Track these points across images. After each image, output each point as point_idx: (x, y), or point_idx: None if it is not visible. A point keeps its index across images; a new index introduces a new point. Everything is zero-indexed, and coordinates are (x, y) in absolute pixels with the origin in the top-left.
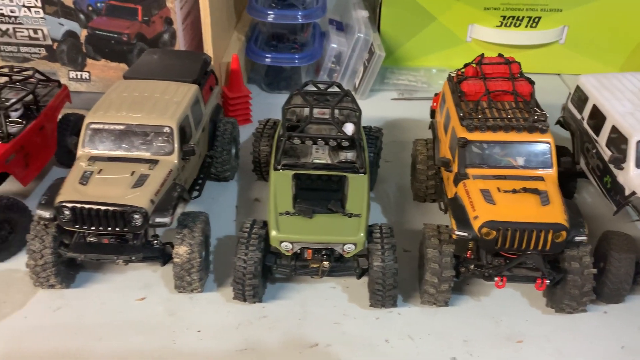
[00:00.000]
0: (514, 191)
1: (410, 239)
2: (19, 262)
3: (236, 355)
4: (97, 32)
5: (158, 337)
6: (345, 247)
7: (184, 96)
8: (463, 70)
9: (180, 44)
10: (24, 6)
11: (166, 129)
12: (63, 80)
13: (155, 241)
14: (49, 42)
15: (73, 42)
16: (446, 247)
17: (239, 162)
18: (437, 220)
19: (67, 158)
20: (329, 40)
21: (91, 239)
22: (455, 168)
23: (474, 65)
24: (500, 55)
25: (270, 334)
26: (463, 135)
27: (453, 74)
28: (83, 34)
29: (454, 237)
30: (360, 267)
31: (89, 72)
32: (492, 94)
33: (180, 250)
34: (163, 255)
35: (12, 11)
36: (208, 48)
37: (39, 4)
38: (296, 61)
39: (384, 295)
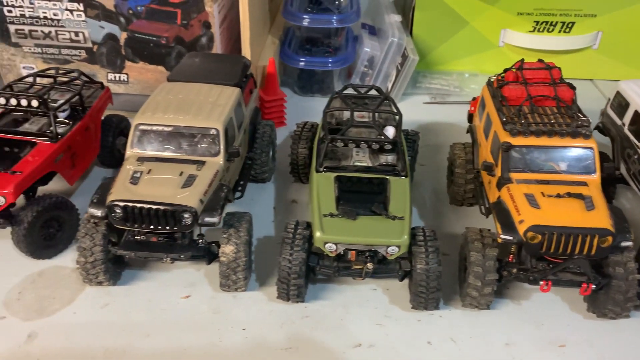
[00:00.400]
0: (559, 196)
1: (448, 243)
2: (66, 259)
3: (281, 353)
4: (136, 35)
5: (204, 334)
6: (389, 249)
7: (228, 99)
8: (503, 75)
9: (218, 48)
10: (66, 9)
11: (213, 131)
12: None
13: (201, 240)
14: (90, 44)
15: (113, 44)
16: (489, 250)
17: (276, 164)
18: (474, 224)
19: (109, 158)
20: (361, 44)
21: (140, 238)
22: (498, 172)
23: (514, 70)
24: (540, 60)
25: (313, 333)
26: (506, 139)
27: (493, 79)
28: (123, 36)
29: (499, 241)
30: (403, 269)
31: (127, 74)
32: (534, 99)
33: (227, 250)
34: (208, 254)
35: (55, 14)
36: (246, 52)
37: (81, 8)
38: (329, 65)
39: (427, 298)
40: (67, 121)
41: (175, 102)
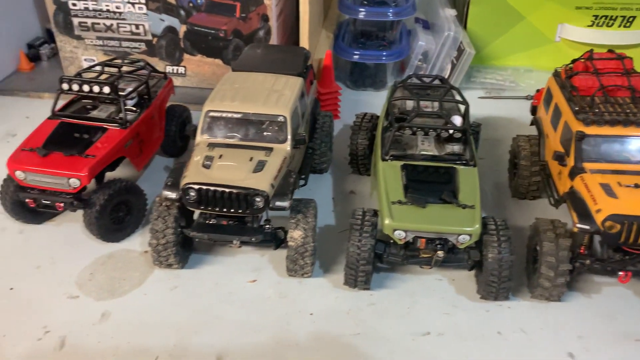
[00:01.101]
0: (637, 186)
1: (513, 235)
2: (133, 242)
3: (351, 339)
4: (195, 28)
5: (272, 318)
6: (460, 237)
7: (292, 88)
8: (571, 65)
9: (274, 40)
10: (128, 2)
11: (280, 118)
12: None
13: (268, 225)
14: (149, 37)
15: (172, 37)
16: (563, 240)
17: (333, 155)
18: (540, 216)
19: (172, 147)
20: (416, 38)
21: (212, 221)
22: (570, 162)
23: (583, 60)
24: (610, 50)
25: (381, 320)
26: (580, 129)
27: (560, 70)
28: (182, 29)
29: (575, 230)
30: (472, 259)
31: (185, 66)
32: (606, 89)
33: (295, 235)
34: (275, 240)
35: (117, 7)
36: (304, 43)
37: (143, 1)
38: (384, 58)
39: (498, 288)
40: (134, 109)
41: (242, 90)
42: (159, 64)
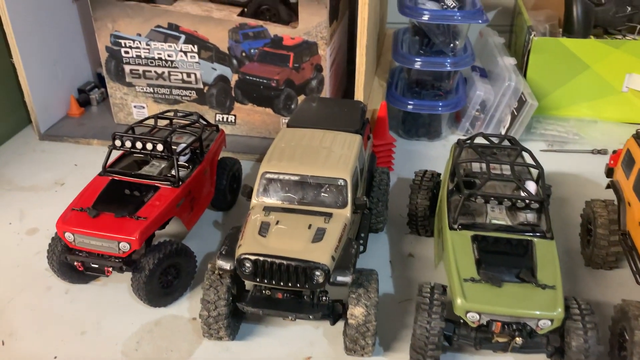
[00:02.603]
0: None
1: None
2: (181, 308)
3: None
4: (247, 77)
5: None
6: (541, 322)
7: (351, 147)
8: None
9: (327, 90)
10: (181, 51)
11: (340, 182)
12: None
13: (324, 298)
14: (200, 85)
15: (223, 86)
16: None
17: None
18: (619, 291)
19: (222, 202)
20: (473, 87)
21: (266, 293)
22: None
23: None
24: None
25: None
26: None
27: None
28: (233, 78)
29: None
30: (552, 344)
31: (234, 115)
32: None
33: (356, 312)
34: (333, 314)
35: (169, 56)
36: (359, 95)
37: (196, 50)
38: (440, 109)
39: None
40: (186, 164)
41: (300, 149)
42: (209, 112)
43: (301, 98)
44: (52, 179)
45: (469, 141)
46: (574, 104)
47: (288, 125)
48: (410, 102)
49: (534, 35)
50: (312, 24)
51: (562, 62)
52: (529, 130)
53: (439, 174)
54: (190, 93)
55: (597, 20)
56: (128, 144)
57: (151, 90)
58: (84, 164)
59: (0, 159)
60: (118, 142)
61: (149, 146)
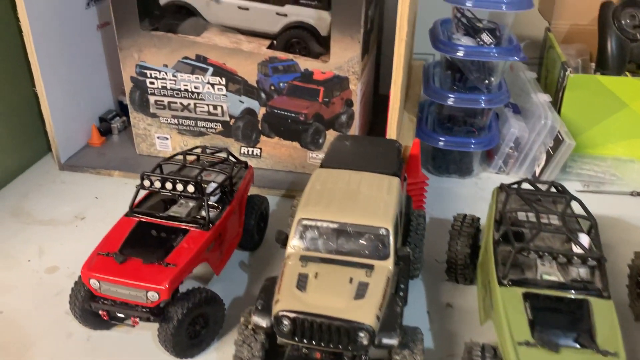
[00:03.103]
0: None
1: None
2: (208, 358)
3: None
4: (275, 110)
5: None
6: None
7: (390, 192)
8: None
9: (357, 125)
10: (208, 83)
11: (382, 231)
12: None
13: (364, 357)
14: (227, 118)
15: (250, 119)
16: None
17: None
18: None
19: (249, 242)
20: (506, 123)
21: (304, 352)
22: None
23: None
24: None
25: None
26: None
27: None
28: (261, 111)
29: None
30: None
31: (260, 148)
32: None
33: None
34: None
35: (195, 87)
36: (392, 133)
37: (223, 82)
38: (472, 146)
39: None
40: (216, 204)
41: (338, 194)
42: (234, 145)
43: (330, 132)
44: (72, 213)
45: (514, 186)
46: (610, 142)
47: (321, 166)
48: (441, 139)
49: (570, 72)
50: (344, 58)
51: (598, 99)
52: (564, 170)
53: (478, 219)
54: (215, 125)
55: (631, 55)
56: (157, 184)
57: (176, 121)
58: (104, 197)
59: (20, 189)
60: (147, 182)
61: (179, 187)
